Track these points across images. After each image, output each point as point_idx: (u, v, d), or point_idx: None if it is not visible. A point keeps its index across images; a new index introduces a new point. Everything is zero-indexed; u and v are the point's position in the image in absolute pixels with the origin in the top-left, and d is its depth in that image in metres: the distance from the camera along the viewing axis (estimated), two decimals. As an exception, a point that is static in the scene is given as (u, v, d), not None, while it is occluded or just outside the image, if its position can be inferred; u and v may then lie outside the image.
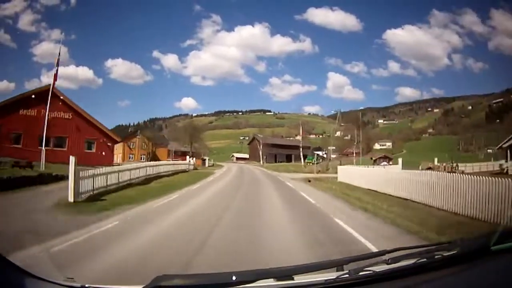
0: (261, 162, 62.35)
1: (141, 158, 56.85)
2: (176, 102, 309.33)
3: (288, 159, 71.78)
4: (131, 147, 61.50)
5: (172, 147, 63.34)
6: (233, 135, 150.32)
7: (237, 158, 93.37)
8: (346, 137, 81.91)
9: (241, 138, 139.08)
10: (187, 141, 61.76)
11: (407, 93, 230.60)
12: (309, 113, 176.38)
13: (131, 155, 59.73)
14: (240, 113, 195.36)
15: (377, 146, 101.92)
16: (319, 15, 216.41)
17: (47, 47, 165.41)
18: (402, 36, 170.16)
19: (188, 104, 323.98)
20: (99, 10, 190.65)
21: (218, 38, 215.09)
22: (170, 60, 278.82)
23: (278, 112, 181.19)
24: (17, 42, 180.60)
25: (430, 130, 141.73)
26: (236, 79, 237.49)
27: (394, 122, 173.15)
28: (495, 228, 1.79)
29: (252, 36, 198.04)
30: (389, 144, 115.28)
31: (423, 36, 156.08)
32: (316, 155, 57.97)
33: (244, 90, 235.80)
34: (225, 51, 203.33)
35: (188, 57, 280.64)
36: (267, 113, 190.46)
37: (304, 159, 56.87)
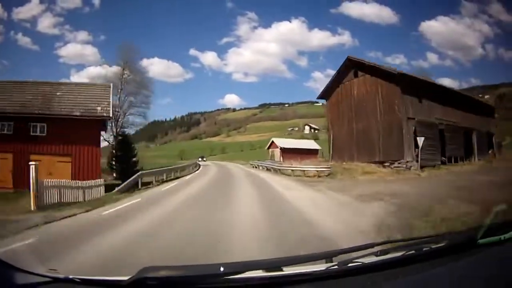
0: (415, 163, 18.64)
1: None
2: (219, 99, 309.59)
3: (468, 149, 24.36)
4: None
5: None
6: (280, 127, 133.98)
7: (284, 151, 46.30)
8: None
9: (289, 129, 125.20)
10: None
11: (446, 83, 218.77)
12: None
13: None
14: (287, 105, 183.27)
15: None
16: (354, 8, 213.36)
17: (73, 48, 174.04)
18: (437, 27, 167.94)
19: (232, 100, 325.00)
20: (129, 9, 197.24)
21: (256, 34, 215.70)
22: (209, 58, 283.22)
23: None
24: (40, 44, 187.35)
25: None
26: (279, 75, 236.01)
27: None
28: (482, 222, 1.59)
29: (290, 31, 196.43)
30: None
31: (456, 27, 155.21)
32: None
33: (287, 85, 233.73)
34: (264, 47, 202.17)
35: (227, 54, 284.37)
36: (315, 104, 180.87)
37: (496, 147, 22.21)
